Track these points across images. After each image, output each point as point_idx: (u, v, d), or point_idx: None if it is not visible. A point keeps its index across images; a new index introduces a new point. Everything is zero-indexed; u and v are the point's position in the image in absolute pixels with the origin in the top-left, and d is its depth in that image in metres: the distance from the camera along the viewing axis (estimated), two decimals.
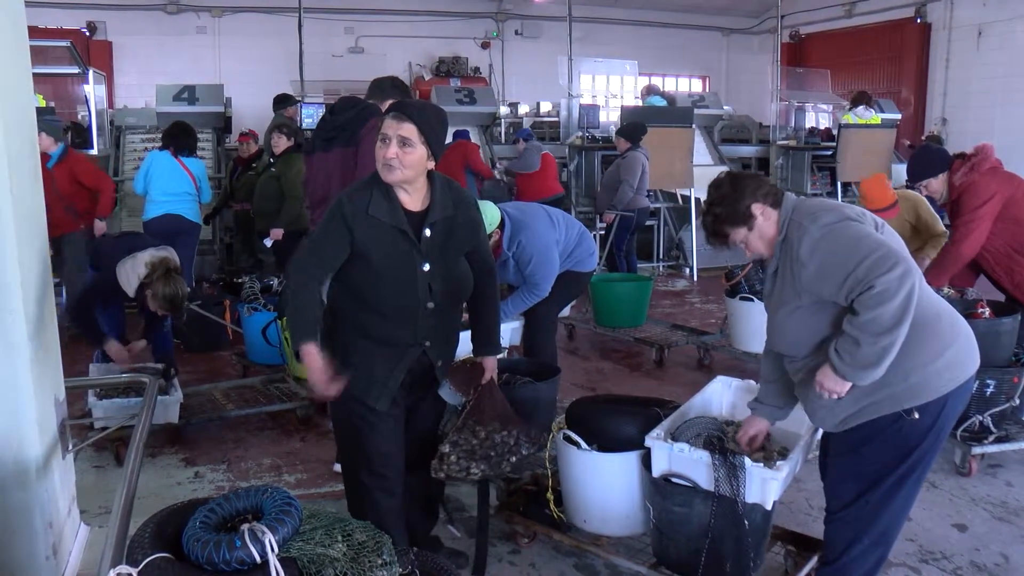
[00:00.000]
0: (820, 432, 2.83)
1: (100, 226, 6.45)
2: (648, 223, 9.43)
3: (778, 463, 2.74)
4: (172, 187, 6.84)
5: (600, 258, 7.91)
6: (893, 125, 11.29)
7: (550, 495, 3.28)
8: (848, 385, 2.48)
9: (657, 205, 9.81)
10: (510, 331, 4.61)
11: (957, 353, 2.55)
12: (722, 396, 3.41)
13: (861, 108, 10.68)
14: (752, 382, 3.25)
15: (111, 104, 12.33)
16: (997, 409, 4.04)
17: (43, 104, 8.39)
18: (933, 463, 2.68)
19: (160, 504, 2.16)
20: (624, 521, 3.12)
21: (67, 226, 6.24)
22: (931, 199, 5.09)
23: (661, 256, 10.18)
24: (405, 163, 2.63)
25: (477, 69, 16.59)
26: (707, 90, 17.48)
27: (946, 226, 5.22)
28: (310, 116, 9.49)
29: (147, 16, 14.92)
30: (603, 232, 8.51)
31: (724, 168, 9.25)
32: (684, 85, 18.60)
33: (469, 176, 8.34)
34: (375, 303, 2.74)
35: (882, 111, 11.50)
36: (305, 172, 4.31)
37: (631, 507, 3.08)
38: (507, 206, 4.60)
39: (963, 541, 3.48)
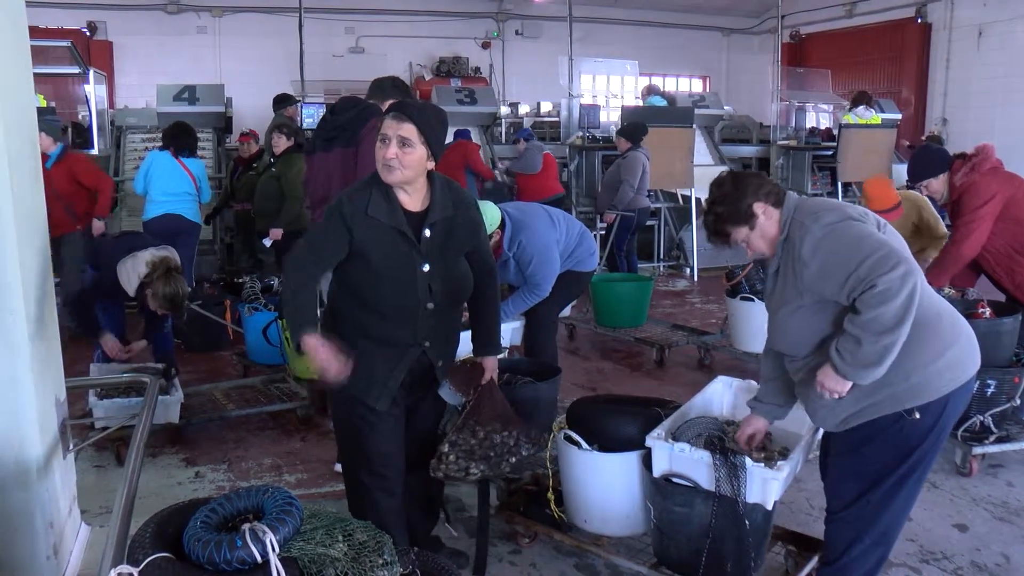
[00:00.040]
0: (821, 432, 2.83)
1: (98, 225, 6.45)
2: (649, 223, 9.43)
3: (779, 463, 2.74)
4: (172, 187, 6.84)
5: (601, 258, 7.91)
6: (893, 125, 11.29)
7: (551, 495, 3.28)
8: (849, 385, 2.48)
9: (658, 205, 9.81)
10: (511, 331, 4.61)
11: (958, 353, 2.55)
12: (723, 396, 3.41)
13: (861, 108, 10.68)
14: (753, 382, 3.24)
15: (112, 104, 12.34)
16: (998, 409, 4.04)
17: (44, 104, 8.40)
18: (934, 463, 2.68)
19: (161, 504, 2.16)
20: (625, 521, 3.12)
21: (65, 226, 6.24)
22: (931, 199, 5.09)
23: (662, 256, 10.18)
24: (405, 163, 2.63)
25: (477, 69, 16.59)
26: (707, 90, 17.48)
27: (947, 226, 5.22)
28: (310, 116, 9.49)
29: (147, 16, 14.93)
30: (604, 232, 8.51)
31: (725, 168, 9.24)
32: (684, 85, 18.61)
33: (469, 176, 8.34)
34: (375, 303, 2.74)
35: (882, 111, 11.50)
36: (306, 172, 4.31)
37: (632, 507, 3.08)
38: (507, 206, 4.60)
39: (964, 541, 3.48)
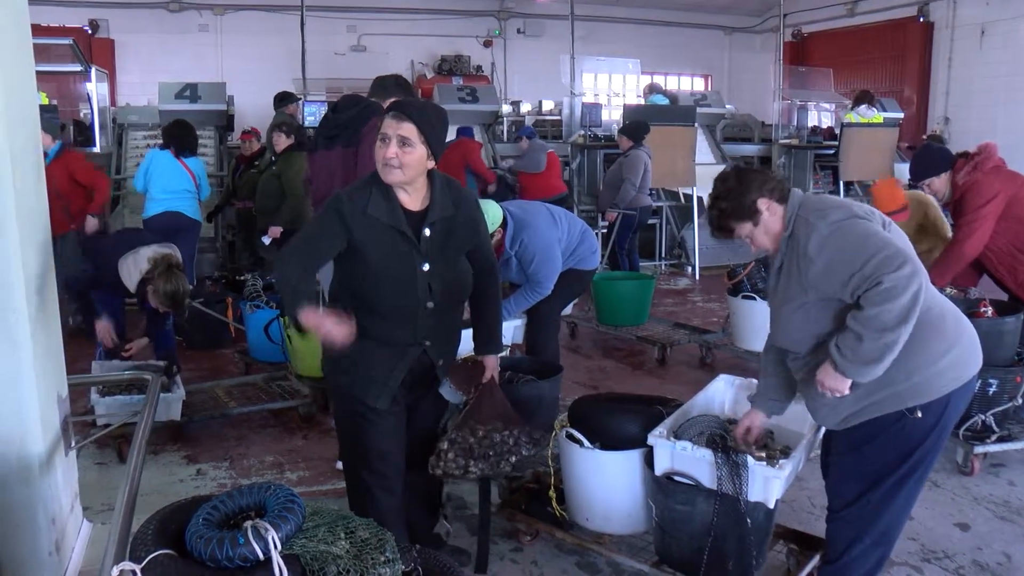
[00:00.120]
0: (822, 431, 2.83)
1: (92, 223, 6.41)
2: (650, 222, 9.42)
3: (780, 462, 2.74)
4: (172, 185, 6.86)
5: (602, 257, 7.91)
6: (895, 124, 11.29)
7: (552, 493, 3.28)
8: (848, 383, 2.47)
9: (659, 204, 9.80)
10: (512, 329, 4.61)
11: (961, 353, 2.55)
12: (724, 395, 3.41)
13: (863, 107, 10.67)
14: (754, 380, 3.24)
15: (113, 102, 12.34)
16: (999, 408, 4.04)
17: (46, 102, 8.39)
18: (935, 462, 2.68)
19: (163, 501, 2.17)
20: (626, 519, 3.12)
21: (62, 226, 6.24)
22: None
23: (663, 255, 10.18)
24: (405, 163, 2.62)
25: (479, 67, 16.59)
26: (709, 89, 17.46)
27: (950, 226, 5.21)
28: (312, 114, 9.49)
29: (149, 14, 14.93)
30: (605, 230, 8.50)
31: (726, 167, 9.24)
32: (686, 84, 18.59)
33: (469, 175, 8.33)
34: (375, 303, 2.73)
35: (884, 110, 11.50)
36: (308, 170, 4.31)
37: (633, 505, 3.08)
38: (509, 205, 4.60)
39: (965, 540, 3.48)
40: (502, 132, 12.00)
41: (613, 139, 9.31)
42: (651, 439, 2.90)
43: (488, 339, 3.02)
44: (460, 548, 3.28)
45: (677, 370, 5.98)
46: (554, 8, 15.45)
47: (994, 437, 4.07)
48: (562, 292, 4.59)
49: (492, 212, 4.23)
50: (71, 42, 9.64)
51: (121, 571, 1.67)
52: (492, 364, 3.03)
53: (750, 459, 2.71)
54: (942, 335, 2.52)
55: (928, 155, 4.83)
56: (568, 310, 5.90)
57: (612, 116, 12.21)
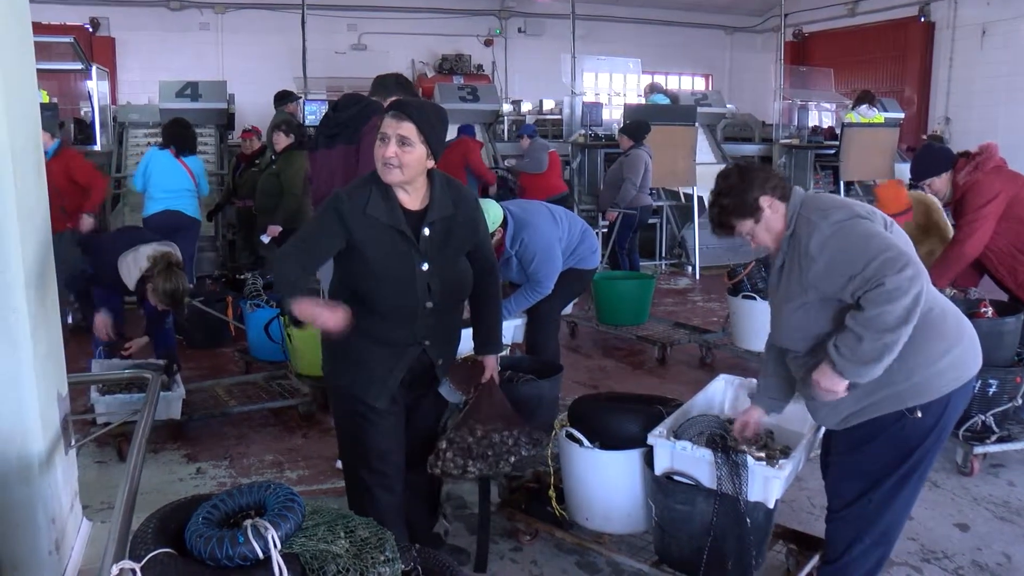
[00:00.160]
0: (822, 430, 2.83)
1: (88, 221, 6.35)
2: (651, 221, 9.42)
3: (780, 461, 2.74)
4: (171, 184, 6.86)
5: (603, 256, 7.91)
6: (896, 124, 11.29)
7: (552, 492, 3.28)
8: (844, 384, 2.47)
9: (660, 203, 9.80)
10: (513, 328, 4.61)
11: (961, 353, 2.54)
12: (724, 394, 3.41)
13: (864, 107, 10.67)
14: (754, 380, 3.24)
15: (114, 100, 12.35)
16: (999, 409, 4.04)
17: (46, 100, 8.39)
18: (935, 463, 2.68)
19: (162, 500, 2.17)
20: (626, 519, 3.12)
21: (59, 224, 6.22)
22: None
23: (663, 254, 10.18)
24: (404, 162, 2.61)
25: (480, 67, 16.58)
26: (710, 88, 17.47)
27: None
28: (313, 113, 9.49)
29: (150, 12, 14.94)
30: (606, 230, 8.50)
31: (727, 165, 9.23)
32: (687, 83, 18.58)
33: (470, 175, 8.32)
34: (374, 303, 2.73)
35: (885, 110, 11.50)
36: (309, 169, 4.31)
37: (633, 505, 3.08)
38: (509, 204, 4.60)
39: (965, 540, 3.48)
40: (503, 131, 12.00)
41: (614, 138, 9.31)
42: (651, 439, 2.90)
43: (488, 339, 3.02)
44: (460, 547, 3.28)
45: (677, 370, 5.98)
46: (555, 7, 15.44)
47: (994, 437, 4.07)
48: (562, 291, 4.59)
49: (492, 211, 4.23)
50: (72, 40, 9.64)
51: (121, 570, 1.67)
52: (492, 364, 3.03)
53: (750, 459, 2.71)
54: (943, 335, 2.52)
55: (929, 155, 4.83)
56: (568, 309, 5.90)
57: (613, 115, 12.20)
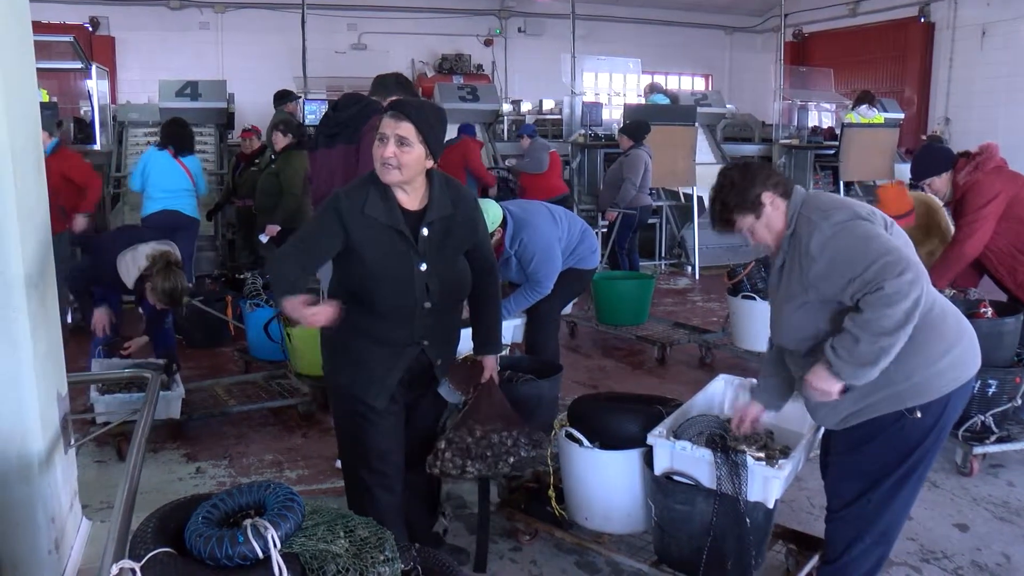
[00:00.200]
0: (822, 431, 2.83)
1: (82, 222, 6.29)
2: (650, 221, 9.42)
3: (780, 461, 2.74)
4: (169, 184, 6.86)
5: (602, 256, 7.91)
6: (896, 124, 11.28)
7: (551, 492, 3.28)
8: (839, 386, 2.47)
9: (659, 203, 9.80)
10: (512, 328, 4.61)
11: (961, 353, 2.55)
12: (724, 394, 3.41)
13: (864, 107, 10.66)
14: (754, 380, 3.24)
15: (114, 99, 12.34)
16: (999, 409, 4.04)
17: (46, 99, 8.39)
18: (934, 463, 2.68)
19: (162, 499, 2.17)
20: (626, 519, 3.12)
21: (57, 224, 6.19)
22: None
23: (663, 254, 10.17)
24: (403, 162, 2.61)
25: (480, 66, 16.58)
26: (710, 88, 17.47)
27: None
28: (312, 113, 9.49)
29: (150, 11, 14.93)
30: (605, 230, 8.50)
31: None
32: (687, 83, 18.58)
33: (470, 176, 8.31)
34: (372, 303, 2.73)
35: (885, 110, 11.49)
36: (309, 168, 4.32)
37: (633, 505, 3.08)
38: (509, 204, 4.60)
39: (964, 541, 3.48)
40: (502, 131, 12.00)
41: (613, 138, 9.31)
42: (651, 439, 2.90)
43: (487, 339, 3.02)
44: (459, 547, 3.28)
45: (677, 370, 5.98)
46: (555, 7, 15.44)
47: (993, 438, 4.07)
48: (562, 291, 4.59)
49: (492, 212, 4.23)
50: (72, 39, 9.63)
51: (121, 569, 1.67)
52: (491, 364, 3.03)
53: (749, 459, 2.71)
54: (942, 336, 2.52)
55: (929, 154, 4.83)
56: (568, 309, 5.89)
57: (612, 115, 12.20)
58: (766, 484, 2.71)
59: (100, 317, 4.68)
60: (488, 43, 17.02)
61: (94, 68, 9.12)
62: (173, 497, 2.14)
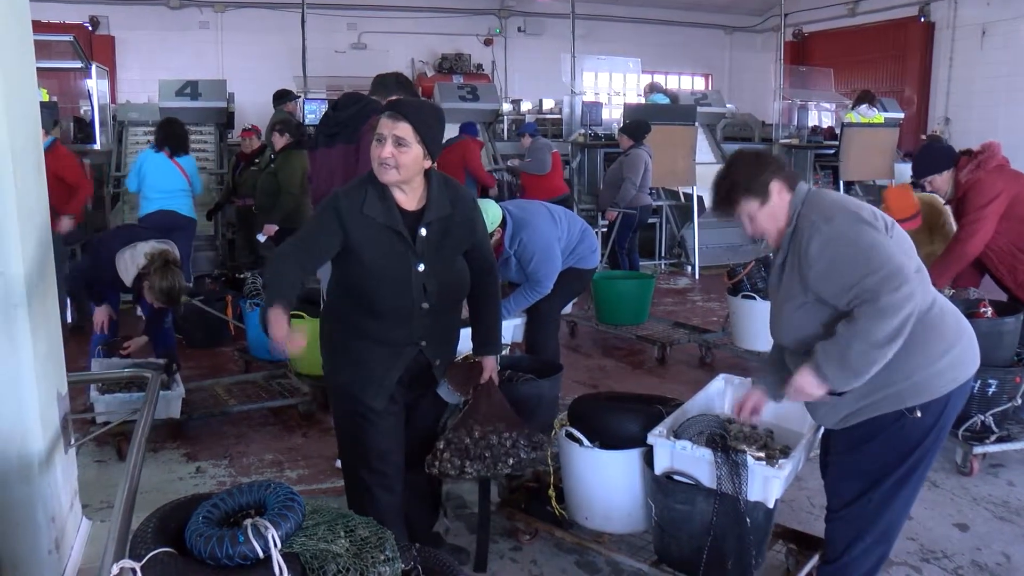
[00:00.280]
0: (822, 430, 2.83)
1: (66, 223, 6.21)
2: (650, 221, 9.42)
3: (780, 461, 2.74)
4: (165, 184, 6.86)
5: (602, 256, 7.90)
6: (896, 124, 11.28)
7: (552, 492, 3.28)
8: (824, 390, 2.48)
9: (659, 203, 9.80)
10: (512, 328, 4.61)
11: (960, 353, 2.55)
12: (724, 394, 3.41)
13: (864, 107, 10.66)
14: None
15: (114, 99, 12.32)
16: (999, 409, 4.04)
17: (46, 98, 8.39)
18: (934, 462, 2.68)
19: (162, 499, 2.17)
20: (626, 518, 3.12)
21: (52, 226, 6.17)
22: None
23: (663, 254, 10.18)
24: (400, 163, 2.61)
25: (480, 66, 16.58)
26: (710, 88, 17.46)
27: None
28: (312, 112, 9.49)
29: (150, 11, 14.93)
30: (605, 230, 8.50)
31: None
32: (687, 83, 18.57)
33: (469, 176, 8.29)
34: (370, 303, 2.73)
35: (885, 110, 11.49)
36: (309, 168, 4.32)
37: (633, 504, 3.08)
38: (508, 204, 4.60)
39: (964, 540, 3.48)
40: (503, 131, 11.99)
41: (613, 138, 9.30)
42: (651, 438, 2.90)
43: (487, 339, 3.01)
44: (459, 547, 3.28)
45: (677, 369, 5.98)
46: (555, 7, 15.44)
47: (993, 437, 4.07)
48: (562, 291, 4.59)
49: (491, 212, 4.23)
50: (72, 39, 9.63)
51: (121, 569, 1.67)
52: (491, 365, 3.02)
53: (750, 459, 2.71)
54: (942, 335, 2.52)
55: (931, 152, 4.83)
56: (568, 309, 5.90)
57: (612, 115, 12.20)
58: (766, 484, 2.71)
59: (100, 315, 4.68)
60: (488, 43, 17.02)
61: (94, 68, 9.12)
62: (173, 497, 2.14)
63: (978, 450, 4.04)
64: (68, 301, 5.14)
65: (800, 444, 2.90)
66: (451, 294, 2.86)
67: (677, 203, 10.13)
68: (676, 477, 2.86)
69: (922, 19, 15.48)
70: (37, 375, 2.27)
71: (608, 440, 3.08)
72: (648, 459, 2.96)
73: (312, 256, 2.72)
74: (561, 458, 3.26)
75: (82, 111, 10.55)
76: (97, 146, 8.80)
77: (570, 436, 3.15)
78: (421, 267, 2.71)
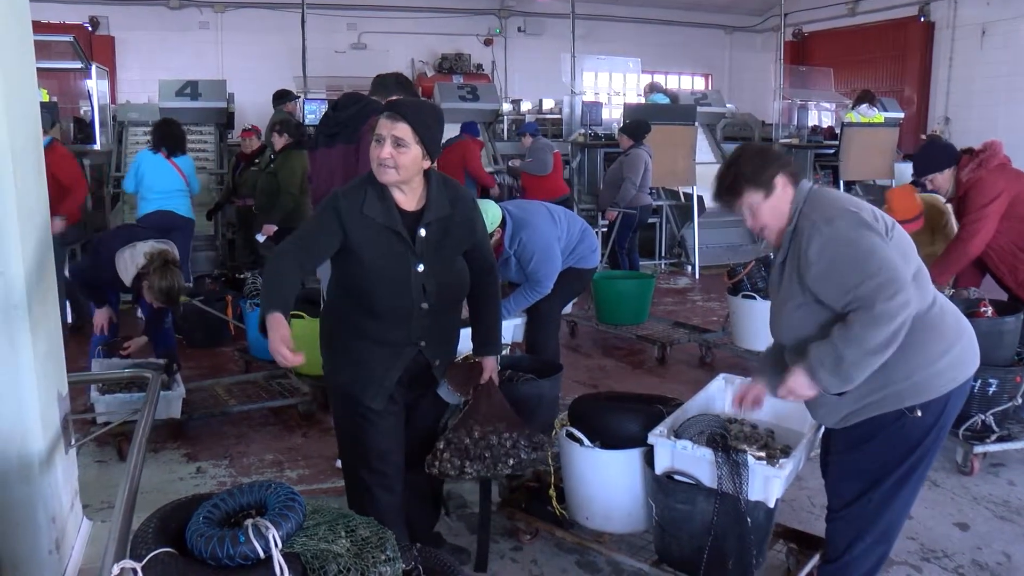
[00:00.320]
0: (822, 430, 2.83)
1: (58, 224, 6.19)
2: (650, 221, 9.42)
3: (781, 461, 2.74)
4: (163, 185, 6.88)
5: (602, 256, 7.90)
6: (896, 124, 11.28)
7: (552, 492, 3.28)
8: (814, 391, 2.48)
9: (659, 203, 9.81)
10: (512, 328, 4.61)
11: (961, 352, 2.55)
12: (724, 394, 3.41)
13: (864, 106, 10.66)
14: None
15: (113, 99, 12.33)
16: (999, 408, 4.04)
17: (46, 99, 8.38)
18: (934, 462, 2.68)
19: (162, 499, 2.17)
20: (626, 518, 3.12)
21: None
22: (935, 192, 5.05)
23: (663, 254, 10.18)
24: (399, 163, 2.61)
25: (480, 66, 16.58)
26: (710, 88, 17.46)
27: None
28: (312, 112, 9.49)
29: (150, 11, 14.93)
30: (605, 229, 8.49)
31: None
32: (687, 83, 18.57)
33: (468, 176, 8.28)
34: (370, 303, 2.72)
35: (885, 110, 11.48)
36: (309, 168, 4.32)
37: (633, 504, 3.08)
38: (508, 204, 4.60)
39: (965, 540, 3.48)
40: (502, 131, 11.99)
41: (613, 138, 9.30)
42: (651, 438, 2.90)
43: (487, 340, 3.01)
44: (460, 547, 3.28)
45: (677, 369, 5.98)
46: (555, 7, 15.44)
47: (994, 437, 4.07)
48: (562, 291, 4.59)
49: (491, 212, 4.23)
50: (72, 39, 9.62)
51: (122, 569, 1.66)
52: (491, 365, 3.02)
53: (750, 458, 2.71)
54: (942, 335, 2.52)
55: (932, 150, 4.82)
56: (568, 309, 5.89)
57: (612, 115, 12.20)
58: (767, 483, 2.71)
59: (101, 317, 4.68)
60: (488, 43, 17.02)
61: (94, 68, 9.11)
62: (174, 497, 2.14)
63: (978, 449, 4.04)
64: (67, 302, 5.14)
65: (801, 444, 2.90)
66: (451, 294, 2.86)
67: (677, 203, 10.13)
68: (677, 477, 2.86)
69: (922, 19, 15.47)
70: (37, 375, 2.26)
71: (609, 440, 3.08)
72: (649, 459, 2.96)
73: (311, 256, 2.72)
74: (562, 458, 3.26)
75: (82, 111, 10.55)
76: (97, 146, 8.80)
77: (570, 436, 3.15)
78: (420, 267, 2.71)
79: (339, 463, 3.68)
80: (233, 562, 1.76)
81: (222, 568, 1.77)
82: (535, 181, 8.70)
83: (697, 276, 9.57)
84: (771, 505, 2.76)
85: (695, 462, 2.81)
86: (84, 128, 9.28)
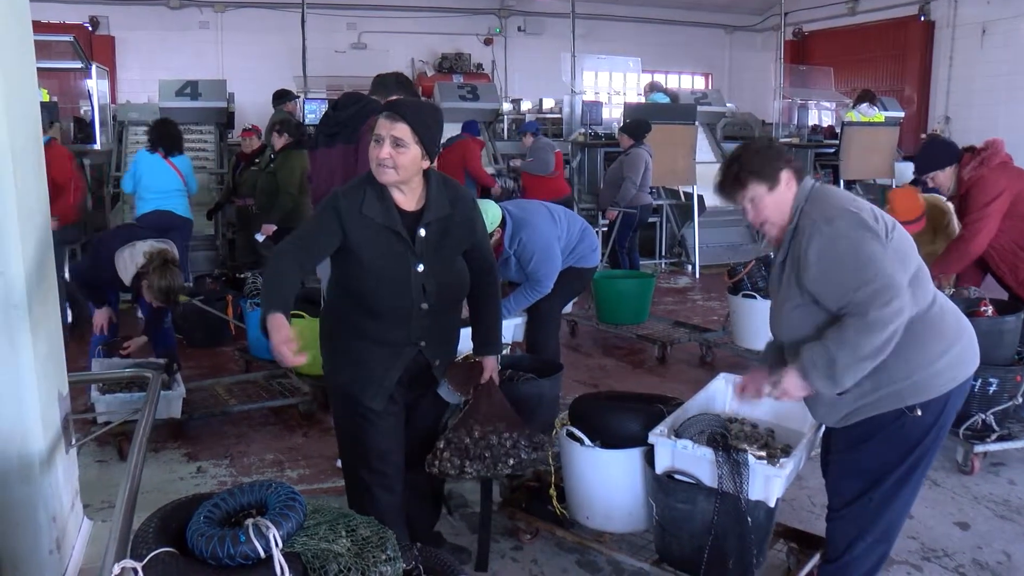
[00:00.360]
0: (823, 429, 2.83)
1: (51, 224, 6.18)
2: (651, 220, 9.42)
3: (781, 460, 2.74)
4: (161, 185, 6.88)
5: (603, 255, 7.90)
6: (896, 123, 11.28)
7: (553, 491, 3.28)
8: (805, 391, 2.49)
9: (660, 202, 9.80)
10: (513, 327, 4.61)
11: (961, 352, 2.55)
12: (725, 393, 3.40)
13: (864, 106, 10.65)
14: None
15: (114, 99, 12.34)
16: (1000, 407, 4.04)
17: (47, 99, 8.39)
18: (935, 461, 2.68)
19: (163, 499, 2.17)
20: (627, 518, 3.12)
21: None
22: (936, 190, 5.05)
23: (663, 253, 10.18)
24: (399, 163, 2.61)
25: (480, 65, 16.58)
26: (710, 87, 17.48)
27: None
28: (312, 112, 9.49)
29: (150, 11, 14.94)
30: (606, 229, 8.49)
31: None
32: (687, 82, 18.59)
33: (469, 177, 8.27)
34: (370, 304, 2.72)
35: (885, 109, 11.48)
36: (309, 168, 4.32)
37: (634, 504, 3.08)
38: (508, 204, 4.60)
39: (965, 539, 3.48)
40: (503, 130, 12.00)
41: (614, 137, 9.30)
42: (652, 438, 2.90)
43: (487, 339, 3.01)
44: (461, 546, 3.28)
45: (677, 368, 5.98)
46: (555, 6, 15.44)
47: (994, 436, 4.07)
48: (562, 290, 4.59)
49: (491, 212, 4.23)
50: (72, 39, 9.63)
51: (122, 569, 1.67)
52: (491, 365, 3.02)
53: (751, 458, 2.71)
54: (942, 334, 2.52)
55: (934, 148, 4.82)
56: (568, 308, 5.89)
57: (613, 114, 12.21)
58: (767, 483, 2.71)
59: (100, 317, 4.69)
60: (488, 42, 17.02)
61: (94, 68, 9.12)
62: (174, 497, 2.14)
63: (979, 449, 4.04)
64: (66, 302, 5.15)
65: (801, 443, 2.90)
66: (450, 294, 2.86)
67: (677, 202, 10.13)
68: (677, 476, 2.86)
69: (922, 18, 15.48)
70: (38, 375, 2.26)
71: (609, 439, 3.08)
72: (649, 458, 2.96)
73: (311, 255, 2.72)
74: (562, 458, 3.26)
75: (82, 111, 10.56)
76: (97, 146, 8.81)
77: (571, 435, 3.15)
78: (420, 267, 2.71)
79: (339, 463, 3.68)
80: (234, 562, 1.76)
81: (223, 568, 1.77)
82: (536, 181, 8.67)
83: (697, 275, 9.57)
84: (771, 504, 2.76)
85: (695, 461, 2.81)
86: (84, 128, 9.29)
